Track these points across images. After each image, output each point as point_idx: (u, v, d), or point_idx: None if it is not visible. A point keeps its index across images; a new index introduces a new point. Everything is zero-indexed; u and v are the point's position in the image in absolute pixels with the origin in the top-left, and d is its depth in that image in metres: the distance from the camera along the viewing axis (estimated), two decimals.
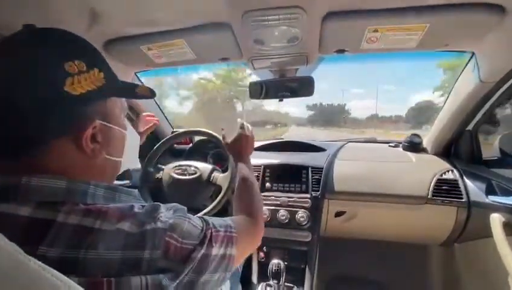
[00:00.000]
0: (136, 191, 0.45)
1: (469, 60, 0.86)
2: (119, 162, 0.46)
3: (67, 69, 0.34)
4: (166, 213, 0.38)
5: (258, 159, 1.22)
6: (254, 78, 1.04)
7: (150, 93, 0.48)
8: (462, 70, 0.91)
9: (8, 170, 0.33)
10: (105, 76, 0.39)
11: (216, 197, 0.96)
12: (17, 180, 0.32)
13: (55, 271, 0.23)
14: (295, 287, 1.01)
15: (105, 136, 0.40)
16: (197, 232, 0.39)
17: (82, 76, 0.35)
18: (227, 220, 0.49)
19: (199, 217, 0.43)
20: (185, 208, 0.42)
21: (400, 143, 1.29)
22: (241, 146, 0.77)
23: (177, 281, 0.34)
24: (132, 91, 0.46)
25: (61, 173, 0.35)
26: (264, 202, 1.11)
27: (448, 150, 1.15)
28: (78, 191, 0.35)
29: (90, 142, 0.37)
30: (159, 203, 0.39)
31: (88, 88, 0.36)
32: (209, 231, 0.41)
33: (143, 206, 0.38)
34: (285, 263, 1.00)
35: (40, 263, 0.22)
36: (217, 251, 0.41)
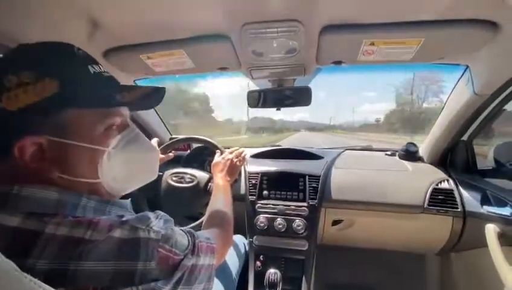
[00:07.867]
0: (128, 203, 0.45)
1: (463, 73, 0.88)
2: (91, 183, 0.39)
3: (5, 84, 0.33)
4: (157, 223, 0.38)
5: (256, 167, 1.22)
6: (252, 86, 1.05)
7: (143, 101, 0.45)
8: (457, 83, 0.93)
9: None
10: (61, 85, 0.35)
11: None
12: (7, 189, 0.33)
13: (48, 287, 0.23)
14: None
15: (58, 153, 0.36)
16: (186, 243, 0.42)
17: (21, 89, 0.33)
18: (205, 233, 0.52)
19: (182, 229, 0.45)
20: (172, 219, 0.43)
21: (397, 151, 1.30)
22: (218, 168, 0.91)
23: (169, 287, 0.35)
24: (105, 98, 0.39)
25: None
26: (261, 210, 1.11)
27: (444, 159, 1.16)
28: (69, 203, 0.35)
29: (33, 160, 0.34)
30: (147, 212, 0.39)
31: (28, 102, 0.33)
32: (196, 241, 0.44)
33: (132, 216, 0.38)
34: (282, 272, 0.99)
35: (35, 280, 0.23)
36: (202, 260, 0.43)
